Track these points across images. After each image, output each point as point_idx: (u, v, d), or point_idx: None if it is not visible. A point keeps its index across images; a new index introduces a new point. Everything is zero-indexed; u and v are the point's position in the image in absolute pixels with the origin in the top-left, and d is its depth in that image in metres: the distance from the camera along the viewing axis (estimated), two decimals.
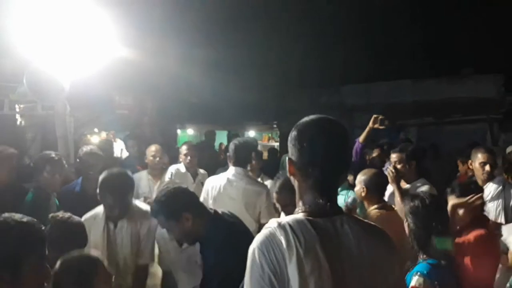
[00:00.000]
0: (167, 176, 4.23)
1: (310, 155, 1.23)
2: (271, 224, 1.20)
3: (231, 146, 3.47)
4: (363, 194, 2.93)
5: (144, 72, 6.05)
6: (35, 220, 1.46)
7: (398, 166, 3.42)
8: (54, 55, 3.36)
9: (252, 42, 6.61)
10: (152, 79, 6.52)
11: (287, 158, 1.31)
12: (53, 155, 3.11)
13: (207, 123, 9.90)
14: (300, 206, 1.28)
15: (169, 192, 2.23)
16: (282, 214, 2.73)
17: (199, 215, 2.20)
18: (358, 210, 3.33)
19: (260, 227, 3.44)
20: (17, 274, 1.35)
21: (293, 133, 1.28)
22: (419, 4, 6.26)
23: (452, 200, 2.53)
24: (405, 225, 2.18)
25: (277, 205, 2.72)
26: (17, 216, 1.42)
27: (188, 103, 8.15)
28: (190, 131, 10.46)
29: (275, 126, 10.33)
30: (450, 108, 7.50)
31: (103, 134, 6.72)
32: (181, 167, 4.33)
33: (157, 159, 4.31)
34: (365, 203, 2.99)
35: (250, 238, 2.25)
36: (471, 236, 2.36)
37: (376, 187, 2.93)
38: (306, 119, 1.29)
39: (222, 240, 2.14)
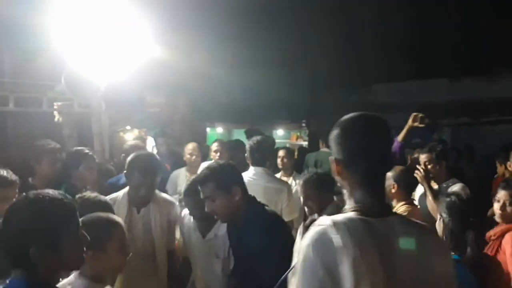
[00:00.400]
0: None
1: (359, 152, 1.23)
2: (324, 222, 1.18)
3: (247, 147, 3.50)
4: (393, 190, 2.92)
5: (175, 72, 6.14)
6: (63, 193, 1.49)
7: (428, 167, 3.36)
8: (90, 56, 3.46)
9: (281, 40, 6.58)
10: (182, 78, 6.60)
11: (333, 158, 1.28)
12: (87, 151, 3.19)
13: (235, 122, 9.96)
14: (351, 204, 1.25)
15: (224, 163, 2.30)
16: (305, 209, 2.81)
17: (245, 194, 2.24)
18: None
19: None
20: (58, 248, 1.37)
21: (336, 132, 1.27)
22: (455, 1, 6.08)
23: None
24: (438, 222, 2.16)
25: (301, 198, 2.79)
26: (46, 192, 1.43)
27: (217, 101, 8.21)
28: (219, 129, 10.54)
29: (303, 124, 10.27)
30: (487, 108, 7.25)
31: (135, 132, 6.86)
32: None
33: (194, 157, 4.42)
34: (394, 200, 2.96)
35: (286, 226, 2.31)
36: None
37: (406, 183, 2.93)
38: (348, 116, 1.28)
39: (267, 223, 2.15)
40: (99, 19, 3.47)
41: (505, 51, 6.47)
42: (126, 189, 2.71)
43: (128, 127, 6.77)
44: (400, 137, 3.66)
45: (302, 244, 1.19)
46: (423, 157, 3.45)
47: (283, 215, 3.34)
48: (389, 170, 1.36)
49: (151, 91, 7.08)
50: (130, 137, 6.35)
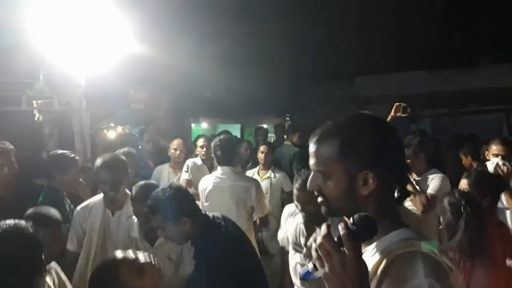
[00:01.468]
0: (183, 169, 4.30)
1: (394, 160, 1.04)
2: (418, 246, 0.97)
3: (211, 147, 3.49)
4: None
5: (158, 67, 6.10)
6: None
7: (407, 161, 3.39)
8: (70, 52, 3.41)
9: (264, 35, 6.60)
10: (165, 74, 6.56)
11: (368, 175, 1.02)
12: (73, 155, 3.15)
13: (220, 117, 9.95)
14: (382, 221, 1.02)
15: (171, 193, 2.14)
16: (301, 214, 2.50)
17: (196, 219, 2.16)
18: None
19: (254, 223, 3.47)
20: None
21: (366, 135, 1.03)
22: None
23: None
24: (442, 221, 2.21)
25: (296, 204, 2.46)
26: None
27: (201, 97, 8.19)
28: (204, 125, 10.51)
29: (288, 119, 10.32)
30: (466, 99, 7.40)
31: (119, 129, 6.80)
32: (197, 160, 4.40)
33: (178, 152, 4.42)
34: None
35: (244, 245, 2.26)
36: None
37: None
38: (351, 117, 1.08)
39: (217, 245, 2.11)
40: (78, 15, 3.42)
41: (484, 42, 6.61)
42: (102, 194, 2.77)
43: (111, 124, 6.71)
44: None
45: (413, 283, 0.91)
46: None
47: (256, 213, 3.38)
48: None
49: (134, 87, 7.02)
50: (113, 134, 6.29)
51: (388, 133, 1.07)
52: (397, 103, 3.59)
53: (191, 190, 4.14)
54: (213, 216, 2.28)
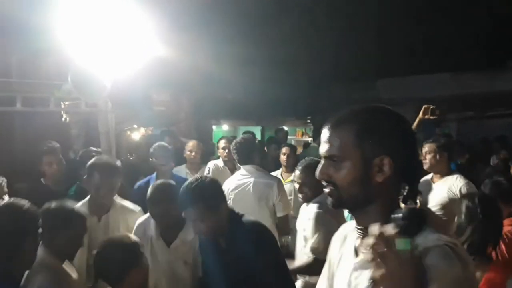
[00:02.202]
0: (205, 172, 4.34)
1: (414, 151, 1.07)
2: (440, 241, 0.96)
3: (232, 149, 3.55)
4: None
5: (180, 70, 6.17)
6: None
7: (428, 156, 3.36)
8: (97, 54, 3.48)
9: (285, 37, 6.59)
10: (187, 77, 6.63)
11: (384, 160, 1.01)
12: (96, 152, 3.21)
13: (241, 119, 9.99)
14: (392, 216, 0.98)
15: (206, 181, 2.09)
16: (299, 195, 2.81)
17: (228, 208, 2.15)
18: None
19: (276, 221, 3.47)
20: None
21: (373, 123, 1.03)
22: None
23: None
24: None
25: (295, 184, 2.78)
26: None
27: (222, 99, 8.24)
28: (225, 127, 10.57)
29: (308, 121, 10.27)
30: (492, 102, 7.23)
31: (142, 130, 6.91)
32: (219, 162, 4.44)
33: (193, 153, 4.46)
34: None
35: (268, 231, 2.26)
36: None
37: None
38: (367, 106, 1.08)
39: (260, 232, 2.09)
40: (105, 18, 3.49)
41: (509, 45, 6.45)
42: (86, 199, 2.69)
43: (134, 126, 6.82)
44: None
45: (451, 275, 0.90)
46: (425, 148, 3.44)
47: (276, 211, 3.37)
48: None
49: (157, 90, 7.12)
50: (136, 135, 6.40)
51: (404, 125, 1.07)
52: (425, 105, 3.53)
53: None
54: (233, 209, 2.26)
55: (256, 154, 3.54)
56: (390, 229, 0.86)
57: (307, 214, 2.69)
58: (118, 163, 2.78)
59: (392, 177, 1.01)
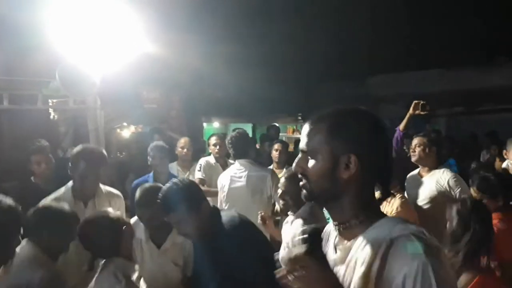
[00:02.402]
0: (196, 168, 4.33)
1: (382, 147, 1.09)
2: (407, 231, 1.00)
3: (227, 143, 3.56)
4: None
5: (170, 67, 6.13)
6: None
7: (418, 149, 3.41)
8: (85, 51, 3.44)
9: (275, 34, 6.58)
10: (177, 74, 6.60)
11: (351, 158, 1.06)
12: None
13: (232, 117, 9.97)
14: (360, 212, 1.08)
15: (185, 183, 2.12)
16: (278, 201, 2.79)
17: (210, 206, 2.16)
18: None
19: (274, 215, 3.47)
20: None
21: (345, 122, 1.09)
22: None
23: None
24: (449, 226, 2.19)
25: (279, 191, 2.70)
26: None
27: (213, 97, 8.22)
28: (216, 124, 10.55)
29: (299, 118, 10.29)
30: (482, 97, 7.30)
31: (132, 128, 6.87)
32: (210, 159, 4.42)
33: (185, 150, 4.46)
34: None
35: (259, 230, 2.25)
36: None
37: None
38: (345, 107, 1.13)
39: (241, 231, 2.05)
40: (93, 15, 3.45)
41: (500, 41, 6.50)
42: (69, 184, 2.65)
43: (124, 124, 6.77)
44: (401, 126, 3.69)
45: (414, 265, 0.94)
46: (415, 141, 3.48)
47: (275, 201, 3.35)
48: None
49: (147, 87, 7.08)
50: (126, 133, 6.35)
51: (377, 126, 1.10)
52: (416, 101, 3.56)
53: (204, 189, 4.19)
54: (215, 206, 2.28)
55: (252, 149, 3.57)
56: (299, 251, 1.06)
57: (292, 230, 2.69)
58: (104, 151, 2.74)
59: (360, 175, 1.06)
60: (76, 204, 2.55)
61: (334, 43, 6.92)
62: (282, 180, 2.73)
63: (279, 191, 2.71)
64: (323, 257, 1.13)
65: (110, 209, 2.22)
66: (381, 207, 2.84)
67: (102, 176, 2.65)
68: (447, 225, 2.15)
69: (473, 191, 2.79)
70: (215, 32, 6.00)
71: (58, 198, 2.54)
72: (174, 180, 2.17)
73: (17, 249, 1.90)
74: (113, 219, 2.05)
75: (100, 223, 2.03)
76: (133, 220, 2.57)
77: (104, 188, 2.77)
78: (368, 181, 1.09)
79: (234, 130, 3.77)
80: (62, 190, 2.63)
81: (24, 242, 1.99)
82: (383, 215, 1.11)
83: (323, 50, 7.09)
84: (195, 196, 2.09)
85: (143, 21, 4.02)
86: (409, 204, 2.96)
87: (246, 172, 3.41)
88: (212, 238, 2.06)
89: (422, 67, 7.37)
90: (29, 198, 2.57)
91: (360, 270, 1.00)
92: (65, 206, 2.20)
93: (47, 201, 2.49)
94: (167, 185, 2.11)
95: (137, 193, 2.45)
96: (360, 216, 1.07)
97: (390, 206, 2.85)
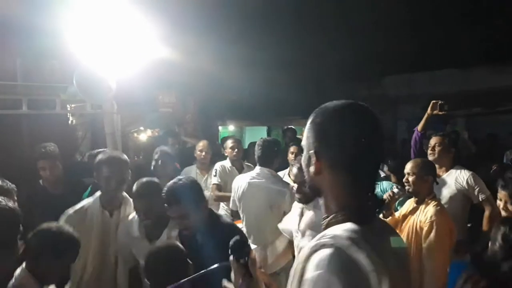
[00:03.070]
0: (212, 173, 4.33)
1: (349, 147, 1.02)
2: (338, 240, 0.94)
3: (256, 146, 3.49)
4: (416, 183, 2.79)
5: (185, 72, 6.19)
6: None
7: (437, 149, 3.38)
8: (102, 56, 3.49)
9: (288, 37, 6.57)
10: (193, 78, 6.65)
11: (310, 153, 1.08)
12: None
13: (247, 120, 9.99)
14: (339, 211, 1.04)
15: (189, 180, 2.29)
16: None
17: (207, 208, 2.34)
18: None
19: None
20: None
21: (318, 120, 1.08)
22: None
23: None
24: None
25: (293, 185, 2.81)
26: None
27: (228, 100, 8.25)
28: (231, 127, 10.59)
29: None
30: (501, 97, 7.14)
31: (148, 132, 6.94)
32: (226, 163, 4.42)
33: (203, 153, 4.46)
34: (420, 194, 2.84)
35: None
36: None
37: (429, 173, 2.82)
38: (334, 103, 1.10)
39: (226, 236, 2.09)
40: (109, 20, 3.50)
41: None
42: (97, 193, 2.70)
43: (141, 128, 6.85)
44: (419, 127, 3.63)
45: (311, 275, 0.92)
46: (434, 140, 3.43)
47: None
48: (380, 165, 1.17)
49: (163, 91, 7.15)
50: (143, 137, 6.43)
51: (355, 128, 1.04)
52: (434, 101, 3.50)
53: (219, 194, 4.19)
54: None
55: (277, 160, 3.51)
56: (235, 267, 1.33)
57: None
58: (125, 156, 2.78)
59: (329, 174, 1.05)
60: (103, 214, 2.62)
61: (349, 44, 6.88)
62: (294, 170, 2.84)
63: (295, 186, 2.77)
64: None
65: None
66: (415, 215, 2.76)
67: (126, 181, 2.67)
68: (489, 245, 2.00)
69: (503, 195, 2.58)
70: (230, 36, 6.03)
71: (85, 207, 2.62)
72: (179, 176, 2.34)
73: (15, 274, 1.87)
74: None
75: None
76: (130, 217, 2.64)
77: (130, 199, 2.79)
78: (338, 180, 1.04)
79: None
80: (90, 199, 2.68)
81: (20, 269, 1.92)
82: (356, 220, 1.01)
83: (337, 51, 7.06)
84: (198, 195, 2.26)
85: (158, 26, 4.07)
86: (445, 211, 2.72)
87: (266, 183, 3.32)
88: (203, 236, 2.20)
89: (439, 67, 7.26)
90: (35, 200, 2.63)
91: (293, 276, 0.99)
92: (68, 228, 2.07)
93: (73, 210, 2.57)
94: (173, 180, 2.28)
95: (134, 186, 2.53)
96: (339, 216, 1.03)
97: (424, 214, 2.66)
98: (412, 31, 6.41)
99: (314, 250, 0.94)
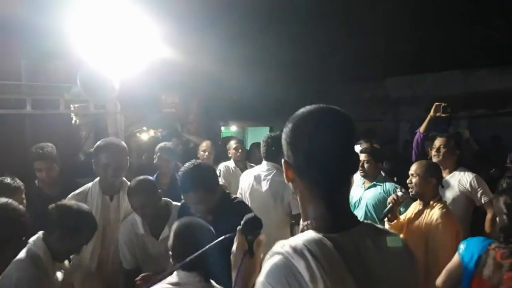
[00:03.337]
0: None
1: (313, 155, 1.01)
2: (282, 248, 0.95)
3: (262, 142, 3.55)
4: (420, 186, 2.77)
5: (188, 72, 6.21)
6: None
7: (442, 150, 3.36)
8: (105, 56, 3.51)
9: (291, 38, 6.58)
10: (196, 79, 6.67)
11: (282, 161, 1.09)
12: None
13: (249, 120, 10.00)
14: (307, 220, 1.04)
15: (203, 165, 2.30)
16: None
17: (222, 190, 2.38)
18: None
19: (293, 219, 3.45)
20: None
21: (287, 128, 1.07)
22: None
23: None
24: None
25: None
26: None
27: (230, 101, 8.26)
28: (233, 128, 10.60)
29: None
30: (504, 99, 7.12)
31: (151, 132, 6.95)
32: (230, 164, 4.45)
33: (207, 153, 4.49)
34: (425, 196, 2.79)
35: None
36: None
37: (434, 175, 2.78)
38: (302, 110, 1.08)
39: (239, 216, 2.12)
40: (113, 21, 3.52)
41: None
42: (96, 179, 2.69)
43: (144, 128, 6.86)
44: (422, 129, 3.63)
45: (258, 281, 0.95)
46: (439, 141, 3.42)
47: (292, 208, 3.36)
48: (353, 173, 1.10)
49: (166, 92, 7.17)
50: (146, 137, 6.44)
51: (316, 135, 1.02)
52: (437, 103, 3.50)
53: None
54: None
55: (281, 154, 3.52)
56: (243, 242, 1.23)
57: None
58: (122, 142, 2.77)
59: (300, 182, 1.06)
60: (103, 198, 2.62)
61: (352, 44, 6.88)
62: None
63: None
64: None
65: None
66: (420, 218, 2.69)
67: (125, 168, 2.66)
68: (497, 219, 2.02)
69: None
70: (232, 37, 6.05)
71: (85, 191, 2.62)
72: (193, 161, 2.32)
73: (30, 241, 1.97)
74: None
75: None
76: (132, 215, 2.63)
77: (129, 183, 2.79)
78: (305, 188, 1.05)
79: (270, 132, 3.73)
80: (89, 184, 2.68)
81: (36, 237, 2.00)
82: (322, 229, 0.99)
83: (341, 52, 7.06)
84: (213, 179, 2.29)
85: (161, 27, 4.08)
86: (451, 214, 2.68)
87: (270, 176, 3.40)
88: (216, 216, 2.20)
89: (442, 69, 7.25)
90: (29, 201, 2.64)
91: None
92: (86, 207, 2.18)
93: (74, 193, 2.59)
94: (187, 166, 2.26)
95: (130, 183, 2.53)
96: (313, 223, 1.02)
97: (430, 217, 2.64)
98: (415, 33, 6.41)
99: (269, 257, 0.97)
